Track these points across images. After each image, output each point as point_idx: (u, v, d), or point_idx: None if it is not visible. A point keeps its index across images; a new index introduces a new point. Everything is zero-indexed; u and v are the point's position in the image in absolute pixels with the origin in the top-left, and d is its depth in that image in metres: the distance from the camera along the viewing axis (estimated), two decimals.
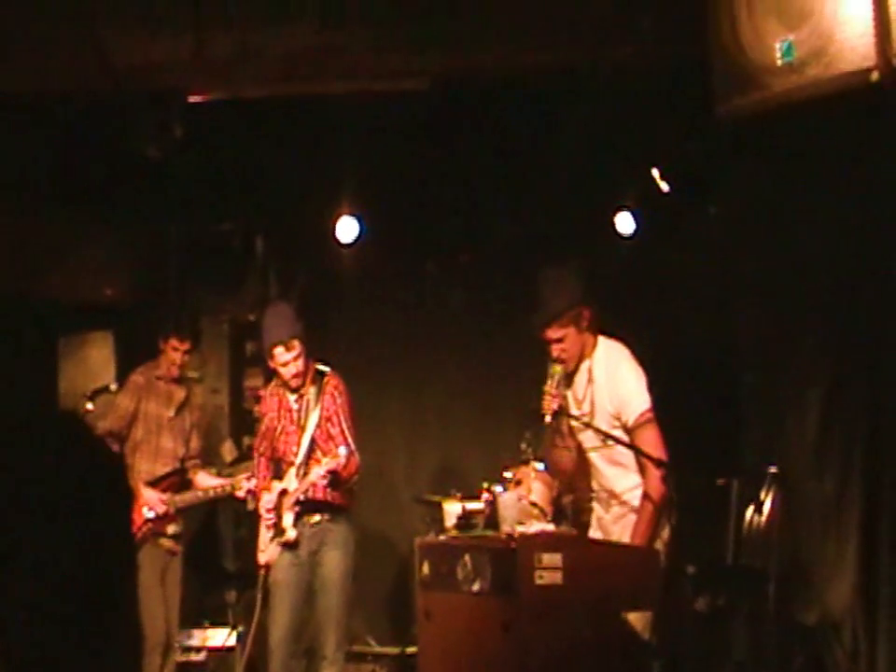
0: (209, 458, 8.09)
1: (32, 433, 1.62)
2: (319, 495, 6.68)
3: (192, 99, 7.04)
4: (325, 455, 6.70)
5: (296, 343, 6.68)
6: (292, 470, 6.78)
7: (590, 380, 5.85)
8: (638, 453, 5.68)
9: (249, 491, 7.23)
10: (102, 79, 6.59)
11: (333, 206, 8.20)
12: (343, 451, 6.54)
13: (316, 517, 6.73)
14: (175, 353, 7.47)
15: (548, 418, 5.84)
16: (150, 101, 6.92)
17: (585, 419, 5.83)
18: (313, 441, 6.77)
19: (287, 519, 6.71)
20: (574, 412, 5.92)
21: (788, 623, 5.82)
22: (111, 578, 1.58)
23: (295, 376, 6.73)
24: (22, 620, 1.53)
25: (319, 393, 6.79)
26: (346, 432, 6.76)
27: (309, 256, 8.94)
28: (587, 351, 5.89)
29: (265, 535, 6.82)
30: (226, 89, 7.06)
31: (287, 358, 6.69)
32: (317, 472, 6.56)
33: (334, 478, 6.55)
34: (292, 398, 6.84)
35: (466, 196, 8.37)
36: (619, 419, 5.76)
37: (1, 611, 1.54)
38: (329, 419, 6.78)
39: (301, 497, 6.67)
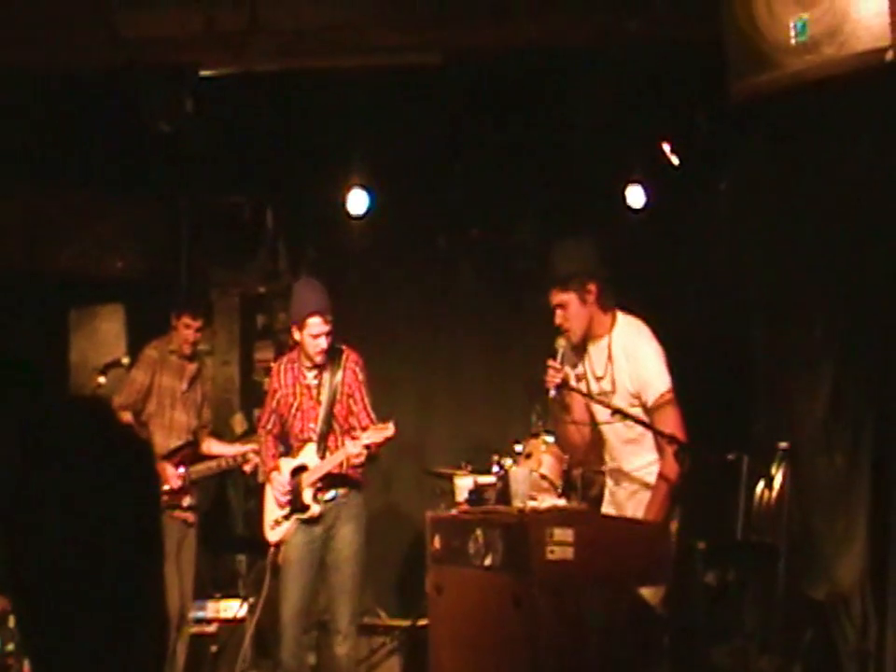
0: (220, 431, 8.12)
1: (45, 406, 1.62)
2: (336, 470, 6.68)
3: (204, 73, 7.03)
4: (344, 432, 6.70)
5: (330, 317, 6.64)
6: (311, 446, 6.74)
7: (610, 357, 5.81)
8: (652, 430, 5.68)
9: (256, 465, 7.26)
10: (114, 54, 6.60)
11: (344, 179, 8.20)
12: (391, 425, 6.52)
13: (332, 493, 6.72)
14: (187, 330, 7.48)
15: (552, 392, 5.84)
16: (162, 75, 6.91)
17: (602, 396, 5.83)
18: (332, 416, 6.75)
19: (308, 495, 6.71)
20: (594, 388, 5.90)
21: (797, 598, 5.85)
22: (134, 555, 1.59)
23: (323, 351, 6.65)
24: (44, 597, 1.54)
25: (339, 369, 6.75)
26: (368, 407, 6.74)
27: (319, 228, 8.95)
28: (603, 328, 5.85)
29: (275, 512, 6.81)
30: (237, 62, 7.05)
31: (322, 330, 6.59)
32: (359, 444, 6.49)
33: (371, 452, 6.54)
34: (310, 374, 6.79)
35: (477, 170, 8.36)
36: (639, 398, 5.73)
37: (22, 588, 1.55)
38: (350, 395, 6.74)
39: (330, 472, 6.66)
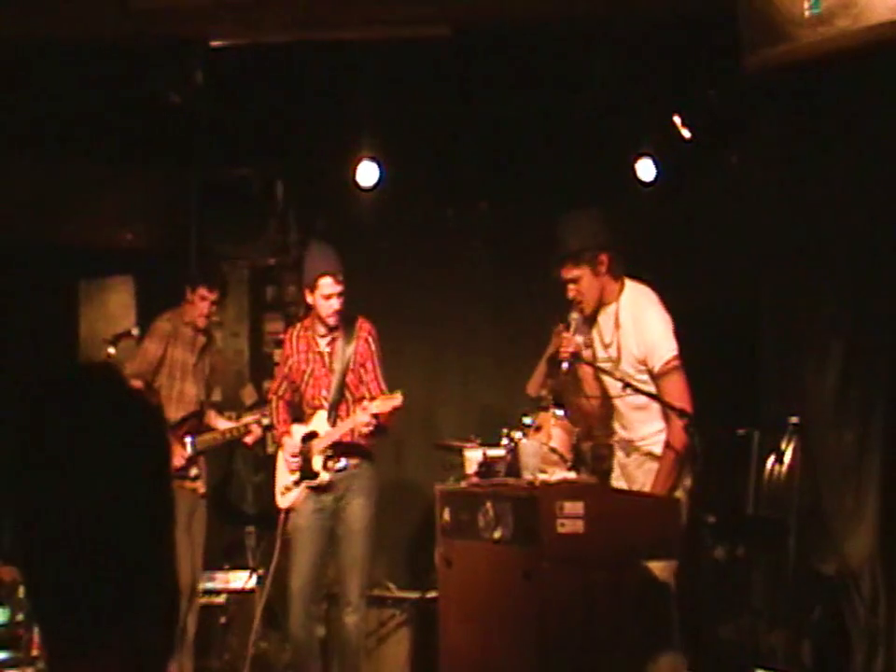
0: (229, 403, 8.13)
1: (55, 376, 1.62)
2: (347, 438, 6.68)
3: (214, 44, 7.00)
4: (356, 401, 6.70)
5: (342, 278, 6.63)
6: (322, 413, 6.74)
7: (617, 324, 5.82)
8: (661, 403, 5.67)
9: (258, 437, 7.28)
10: (124, 24, 6.57)
11: (354, 151, 8.17)
12: (399, 395, 6.51)
13: (343, 462, 6.72)
14: (203, 302, 7.45)
15: (565, 365, 5.84)
16: (172, 46, 6.88)
17: (610, 365, 5.83)
18: (345, 385, 6.76)
19: (318, 462, 6.71)
20: (601, 355, 5.90)
21: (807, 574, 5.84)
22: (146, 521, 1.58)
23: (336, 312, 6.64)
24: (53, 567, 1.53)
25: (352, 338, 6.75)
26: (379, 378, 6.75)
27: (329, 200, 8.92)
28: (612, 295, 5.85)
29: (286, 478, 6.82)
30: (247, 34, 7.02)
31: (334, 290, 6.58)
32: (368, 412, 6.48)
33: (379, 423, 6.54)
34: (323, 341, 6.78)
35: (487, 142, 8.33)
36: (645, 364, 5.73)
37: (32, 557, 1.55)
38: (362, 365, 6.75)
39: (339, 440, 6.65)
